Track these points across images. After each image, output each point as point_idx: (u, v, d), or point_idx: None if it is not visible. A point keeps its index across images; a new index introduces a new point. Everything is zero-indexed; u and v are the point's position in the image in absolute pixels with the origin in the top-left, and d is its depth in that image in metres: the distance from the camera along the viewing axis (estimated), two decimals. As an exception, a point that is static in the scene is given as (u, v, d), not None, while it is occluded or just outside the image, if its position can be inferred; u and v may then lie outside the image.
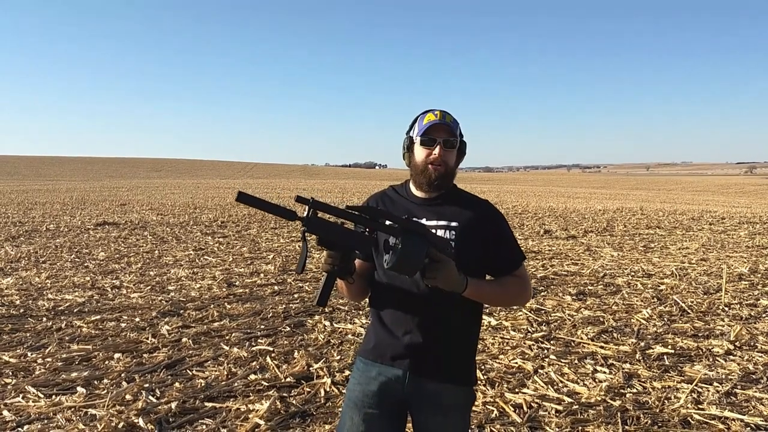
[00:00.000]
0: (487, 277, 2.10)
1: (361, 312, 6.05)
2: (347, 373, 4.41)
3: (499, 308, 6.23)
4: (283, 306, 6.42)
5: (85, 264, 9.02)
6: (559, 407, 3.93)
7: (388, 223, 1.82)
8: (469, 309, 2.02)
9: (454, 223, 2.00)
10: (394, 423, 2.07)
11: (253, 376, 4.38)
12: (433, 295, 1.91)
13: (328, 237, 1.77)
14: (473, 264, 1.98)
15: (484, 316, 5.93)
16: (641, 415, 3.83)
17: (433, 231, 1.98)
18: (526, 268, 2.12)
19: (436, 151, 1.99)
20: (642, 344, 5.26)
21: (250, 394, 4.08)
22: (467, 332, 2.07)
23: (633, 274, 8.61)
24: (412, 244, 1.74)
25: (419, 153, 2.04)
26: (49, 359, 4.65)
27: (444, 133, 1.99)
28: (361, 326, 5.59)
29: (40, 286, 7.36)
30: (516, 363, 4.76)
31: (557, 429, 3.66)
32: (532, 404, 3.99)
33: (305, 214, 1.72)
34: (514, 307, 6.45)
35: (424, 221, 2.02)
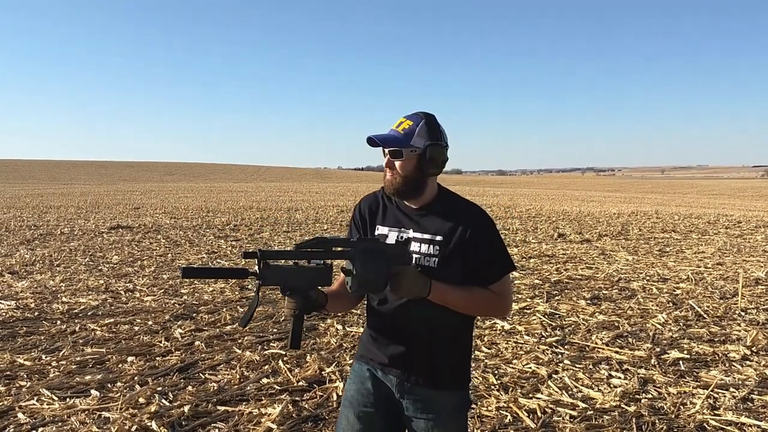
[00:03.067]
0: None
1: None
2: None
3: (512, 312, 6.19)
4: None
5: (99, 267, 9.09)
6: (574, 413, 3.90)
7: (342, 249, 1.82)
8: (459, 316, 2.00)
9: (438, 237, 1.99)
10: (390, 421, 2.09)
11: (265, 380, 4.38)
12: (420, 303, 1.91)
13: (286, 284, 1.75)
14: (457, 277, 1.97)
15: (497, 321, 5.91)
16: (656, 421, 3.79)
17: (418, 245, 2.00)
18: (509, 283, 2.05)
19: (385, 159, 2.01)
20: (657, 349, 5.21)
21: (263, 397, 4.08)
22: (457, 339, 2.07)
23: (648, 278, 8.54)
24: (366, 267, 1.76)
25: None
26: (64, 362, 4.68)
27: (390, 143, 1.98)
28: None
29: (54, 289, 7.41)
30: (530, 368, 4.73)
31: (571, 435, 3.63)
32: (546, 409, 3.96)
33: (256, 268, 1.70)
34: (526, 310, 6.42)
35: (410, 232, 2.03)
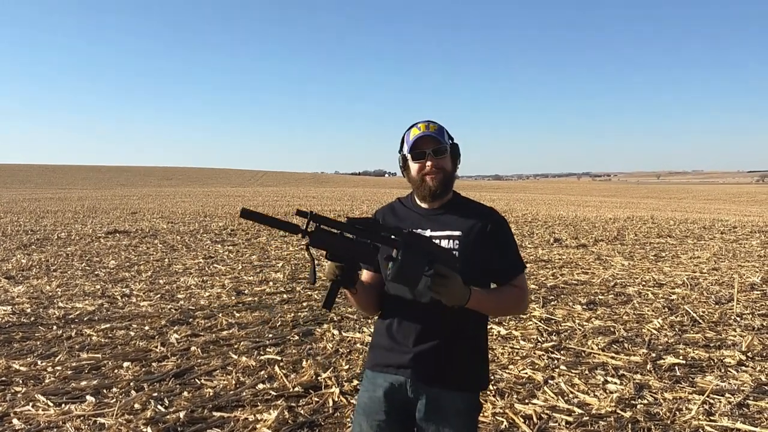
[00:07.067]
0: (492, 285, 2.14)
1: (369, 321, 6.03)
2: (356, 382, 4.40)
3: (508, 317, 6.20)
4: (292, 315, 6.42)
5: (96, 272, 9.07)
6: (570, 418, 3.91)
7: (390, 236, 1.85)
8: (473, 317, 2.04)
9: (456, 233, 2.04)
10: (403, 428, 2.10)
11: (261, 386, 4.38)
12: (436, 305, 1.93)
13: (332, 250, 1.80)
14: (478, 273, 2.02)
15: (493, 326, 5.92)
16: (652, 427, 3.80)
17: (437, 241, 2.01)
18: (526, 278, 2.15)
19: (428, 162, 2.05)
20: (653, 355, 5.22)
21: (259, 403, 4.08)
22: (471, 340, 2.10)
23: (644, 283, 8.55)
24: (411, 257, 1.79)
25: (414, 168, 2.10)
26: (59, 368, 4.67)
27: (432, 143, 2.04)
28: (369, 335, 5.57)
29: (50, 294, 7.40)
30: (526, 373, 4.73)
31: (567, 440, 3.64)
32: (542, 415, 3.96)
33: (306, 228, 1.74)
34: (522, 315, 6.43)
35: (428, 232, 2.06)
